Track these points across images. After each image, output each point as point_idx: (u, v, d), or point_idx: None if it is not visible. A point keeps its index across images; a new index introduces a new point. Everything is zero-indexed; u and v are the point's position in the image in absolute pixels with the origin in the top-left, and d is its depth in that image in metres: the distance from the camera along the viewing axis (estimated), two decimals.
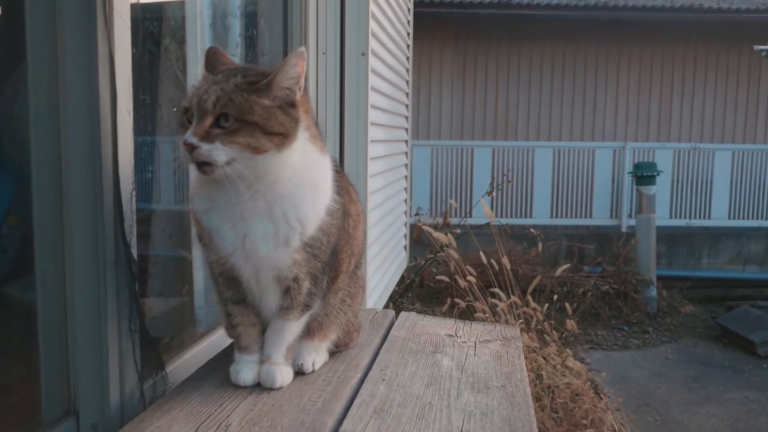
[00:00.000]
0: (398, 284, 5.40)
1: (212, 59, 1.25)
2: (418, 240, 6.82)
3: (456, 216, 7.86)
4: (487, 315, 4.49)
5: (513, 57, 9.24)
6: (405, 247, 4.69)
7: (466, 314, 5.01)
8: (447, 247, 4.72)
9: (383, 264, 3.46)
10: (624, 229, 8.19)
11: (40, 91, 1.27)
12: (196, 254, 2.22)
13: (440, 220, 7.55)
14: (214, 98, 1.12)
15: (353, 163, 2.84)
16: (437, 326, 1.86)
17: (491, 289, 4.78)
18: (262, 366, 1.36)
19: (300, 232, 1.23)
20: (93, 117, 1.25)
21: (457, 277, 4.61)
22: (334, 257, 1.36)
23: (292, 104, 1.18)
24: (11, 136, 2.28)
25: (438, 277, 4.67)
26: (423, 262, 6.18)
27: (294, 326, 1.35)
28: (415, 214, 6.75)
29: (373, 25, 2.95)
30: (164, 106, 2.01)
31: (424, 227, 4.86)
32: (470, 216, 7.15)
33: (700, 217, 8.46)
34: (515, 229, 7.19)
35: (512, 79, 9.29)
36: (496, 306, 4.55)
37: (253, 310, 1.35)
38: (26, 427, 1.36)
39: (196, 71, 2.63)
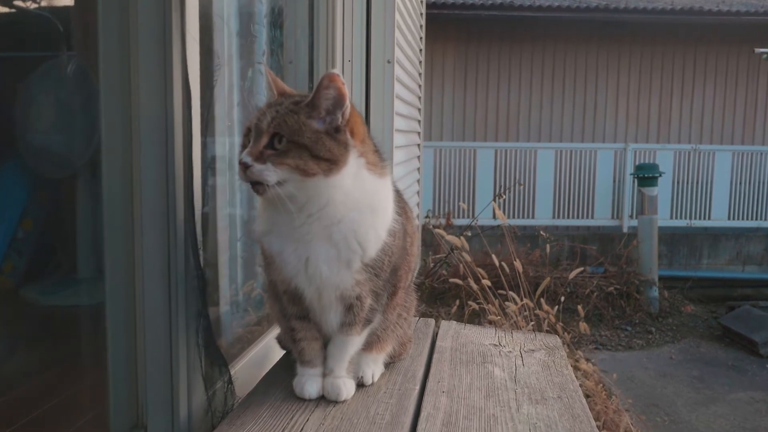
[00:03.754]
0: None
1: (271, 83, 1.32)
2: (422, 240, 6.86)
3: (459, 217, 7.91)
4: (499, 317, 4.53)
5: (515, 58, 9.29)
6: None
7: (477, 316, 5.06)
8: (459, 250, 4.76)
9: None
10: (625, 230, 8.25)
11: (112, 103, 1.29)
12: (221, 260, 2.24)
13: (443, 221, 7.59)
14: (269, 119, 1.18)
15: None
16: (480, 336, 1.89)
17: (500, 291, 4.83)
18: (326, 379, 1.39)
19: (361, 254, 1.27)
20: (168, 128, 1.27)
21: (470, 280, 4.65)
22: (393, 274, 1.39)
23: (337, 129, 1.21)
24: (27, 140, 2.28)
25: (452, 280, 4.71)
26: (433, 264, 6.20)
27: (356, 341, 1.39)
28: (426, 217, 6.77)
29: (397, 34, 2.97)
30: None
31: (436, 231, 4.90)
32: (472, 216, 7.20)
33: (700, 218, 8.53)
34: (517, 229, 7.24)
35: (514, 80, 9.33)
36: (507, 308, 4.60)
37: (315, 325, 1.38)
38: None
39: (223, 80, 2.65)
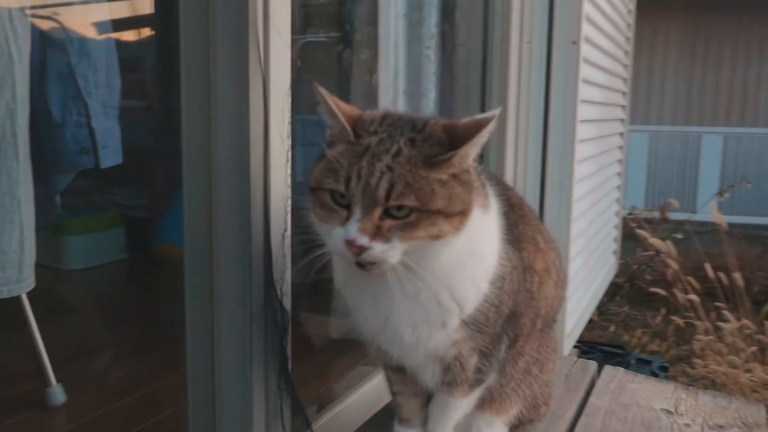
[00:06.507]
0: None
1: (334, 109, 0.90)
2: (630, 234, 6.16)
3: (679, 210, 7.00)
4: (710, 338, 3.87)
5: (756, 29, 7.97)
6: (614, 252, 4.19)
7: (683, 332, 4.40)
8: (665, 254, 4.14)
9: (586, 279, 3.06)
10: None
11: (193, 110, 1.13)
12: None
13: (657, 215, 6.76)
14: (386, 184, 0.82)
15: (556, 168, 2.49)
16: (651, 394, 1.49)
17: (716, 304, 4.13)
18: None
19: (458, 313, 0.97)
20: (243, 145, 1.08)
21: (675, 290, 4.03)
22: (513, 322, 1.08)
23: (467, 170, 0.90)
24: None
25: (653, 290, 4.12)
26: (635, 266, 5.53)
27: (461, 403, 1.11)
28: (629, 214, 6.08)
29: (587, 8, 2.54)
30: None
31: (638, 231, 4.33)
32: (692, 211, 6.33)
33: None
34: (747, 229, 6.23)
35: (753, 55, 8.02)
36: (721, 328, 3.90)
37: (414, 378, 1.12)
38: None
39: (388, 66, 2.46)
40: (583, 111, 2.60)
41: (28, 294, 1.91)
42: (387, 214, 0.83)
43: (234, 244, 1.12)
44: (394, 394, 1.17)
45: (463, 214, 0.88)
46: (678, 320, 3.99)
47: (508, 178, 2.53)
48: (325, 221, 0.87)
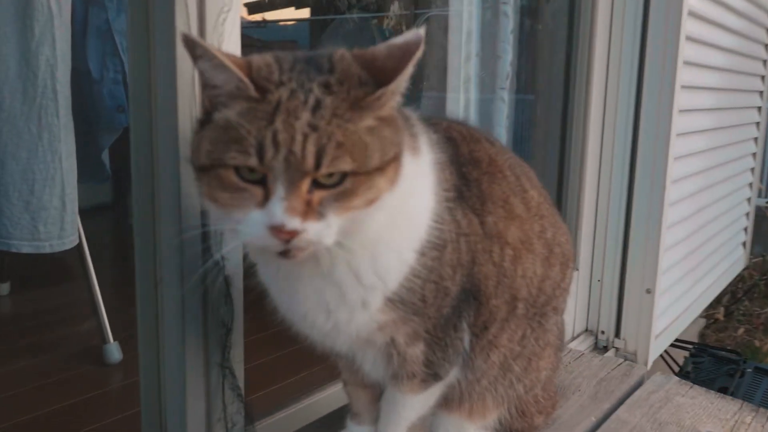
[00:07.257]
0: (734, 284, 4.35)
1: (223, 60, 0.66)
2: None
3: None
4: None
5: None
6: (743, 244, 3.67)
7: None
8: None
9: (691, 274, 2.65)
10: None
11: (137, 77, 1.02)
12: None
13: None
14: (313, 148, 0.63)
15: (648, 142, 2.15)
16: (703, 413, 1.20)
17: None
18: None
19: (381, 288, 0.78)
20: (171, 83, 0.95)
21: None
22: (474, 304, 0.87)
23: (393, 106, 0.71)
24: None
25: None
26: None
27: (412, 401, 0.92)
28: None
29: None
30: None
31: None
32: None
33: None
34: None
35: None
36: None
37: (356, 366, 0.94)
38: None
39: (460, 25, 2.26)
40: (689, 75, 2.22)
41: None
42: (317, 183, 0.65)
43: (167, 193, 0.99)
44: (344, 383, 1.01)
45: (396, 159, 0.69)
46: None
47: (592, 149, 2.23)
48: (232, 206, 0.67)
